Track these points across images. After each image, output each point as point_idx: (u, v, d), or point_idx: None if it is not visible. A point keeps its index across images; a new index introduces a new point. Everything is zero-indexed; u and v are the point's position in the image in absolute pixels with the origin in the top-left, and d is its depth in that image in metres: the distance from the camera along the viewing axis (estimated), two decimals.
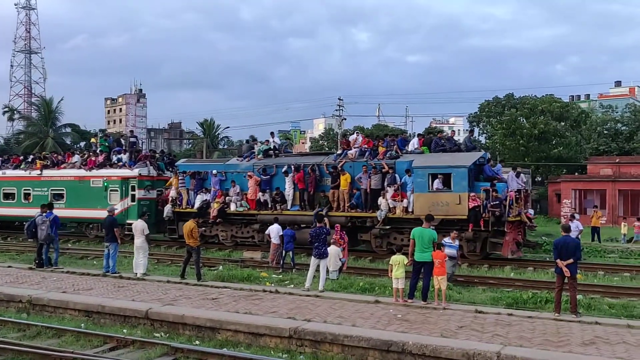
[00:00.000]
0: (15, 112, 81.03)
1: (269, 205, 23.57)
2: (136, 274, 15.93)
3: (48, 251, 17.61)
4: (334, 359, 9.60)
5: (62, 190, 28.70)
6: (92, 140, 37.70)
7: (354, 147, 23.49)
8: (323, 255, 14.24)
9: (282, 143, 27.31)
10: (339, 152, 23.67)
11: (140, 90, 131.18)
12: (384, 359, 9.43)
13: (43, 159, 31.52)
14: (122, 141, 31.57)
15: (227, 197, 24.39)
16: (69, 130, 68.89)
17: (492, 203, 19.63)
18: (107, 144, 30.85)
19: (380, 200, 21.20)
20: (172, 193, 25.77)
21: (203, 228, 24.43)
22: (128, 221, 25.35)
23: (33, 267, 17.41)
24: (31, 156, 33.41)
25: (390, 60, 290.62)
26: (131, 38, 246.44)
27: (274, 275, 16.90)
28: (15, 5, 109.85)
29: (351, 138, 24.82)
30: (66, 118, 68.87)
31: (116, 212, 24.59)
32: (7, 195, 30.39)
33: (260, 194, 23.79)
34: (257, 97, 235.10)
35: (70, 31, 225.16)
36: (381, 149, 22.79)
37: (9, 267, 17.82)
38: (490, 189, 19.90)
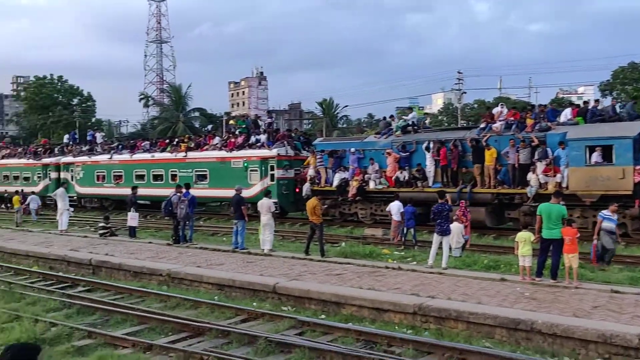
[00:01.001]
0: (149, 99, 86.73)
1: (409, 183, 23.12)
2: (263, 250, 16.58)
3: (184, 228, 18.80)
4: (459, 336, 9.51)
5: (205, 171, 29.77)
6: (231, 122, 39.29)
7: (499, 120, 22.24)
8: (446, 232, 14.05)
9: (421, 118, 26.42)
10: (482, 125, 22.70)
11: (261, 73, 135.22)
12: (512, 337, 9.21)
13: (187, 141, 32.82)
14: (260, 122, 32.31)
15: (365, 175, 24.25)
16: (197, 114, 72.66)
17: None
18: (245, 125, 31.57)
19: (530, 176, 20.05)
20: (311, 172, 25.97)
21: (343, 206, 24.85)
22: None
23: (170, 243, 18.66)
24: (176, 139, 34.93)
25: (511, 30, 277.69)
26: (251, 23, 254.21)
27: (395, 252, 16.94)
28: None
29: (495, 111, 23.57)
30: (194, 103, 72.89)
31: (257, 191, 26.28)
32: (156, 177, 31.91)
33: (399, 171, 23.41)
34: (374, 74, 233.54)
35: (195, 20, 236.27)
36: (529, 121, 21.39)
37: (150, 242, 19.25)
38: None
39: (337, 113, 78.37)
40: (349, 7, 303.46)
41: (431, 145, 22.67)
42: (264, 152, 27.65)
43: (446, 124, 62.71)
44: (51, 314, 11.18)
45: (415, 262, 15.06)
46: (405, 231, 18.73)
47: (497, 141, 21.38)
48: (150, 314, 10.91)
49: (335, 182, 24.86)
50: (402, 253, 16.93)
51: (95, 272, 15.77)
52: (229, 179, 27.70)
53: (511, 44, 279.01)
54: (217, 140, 31.27)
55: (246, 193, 23.80)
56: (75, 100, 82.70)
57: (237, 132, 30.92)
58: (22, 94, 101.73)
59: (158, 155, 32.65)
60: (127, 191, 21.77)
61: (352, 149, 25.04)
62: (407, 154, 23.57)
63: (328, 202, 25.04)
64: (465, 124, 40.98)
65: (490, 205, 21.09)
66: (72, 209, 24.73)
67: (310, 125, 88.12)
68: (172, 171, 31.13)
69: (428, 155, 22.60)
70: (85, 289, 13.75)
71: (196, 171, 30.08)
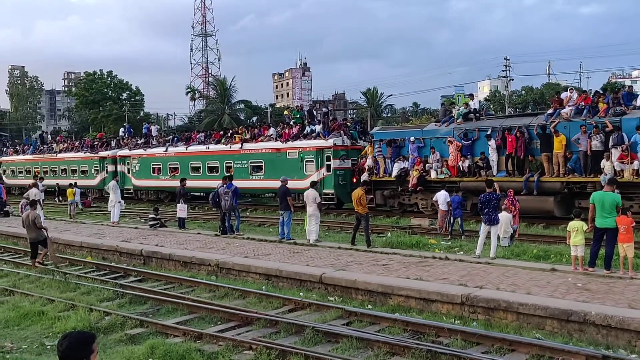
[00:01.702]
0: (195, 92, 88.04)
1: (472, 172, 22.36)
2: (309, 240, 16.67)
3: (230, 219, 19.05)
4: (508, 327, 9.37)
5: (261, 162, 29.58)
6: (285, 112, 39.16)
7: (568, 106, 21.14)
8: (494, 221, 13.81)
9: (483, 105, 25.55)
10: (550, 111, 21.60)
11: (305, 64, 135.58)
12: (563, 328, 9.00)
13: (242, 133, 32.58)
14: (314, 112, 31.94)
15: (426, 165, 23.67)
16: (242, 106, 73.38)
17: None
18: (299, 115, 31.23)
19: (604, 163, 19.06)
20: (369, 162, 25.46)
21: (402, 197, 24.39)
22: (324, 191, 26.00)
23: (218, 234, 18.94)
24: (230, 131, 34.75)
25: (560, 13, 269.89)
26: (294, 14, 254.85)
27: (442, 242, 16.77)
28: None
29: (564, 95, 22.34)
30: (239, 95, 73.57)
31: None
32: (211, 169, 31.70)
33: (462, 160, 22.67)
34: (418, 63, 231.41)
35: (239, 12, 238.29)
36: (602, 106, 20.35)
37: (198, 233, 19.58)
38: None
39: (382, 102, 77.86)
40: None
41: (495, 132, 21.85)
42: (320, 143, 27.22)
43: (492, 112, 61.57)
44: (105, 304, 11.52)
45: (462, 252, 14.88)
46: (452, 221, 18.51)
47: (566, 127, 20.41)
48: (200, 303, 11.12)
49: (395, 172, 24.26)
50: (449, 243, 16.75)
51: (146, 263, 16.16)
52: (284, 170, 27.05)
53: (560, 28, 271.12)
54: (272, 131, 30.91)
55: (302, 184, 23.79)
56: (125, 95, 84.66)
57: (291, 123, 30.53)
58: (73, 89, 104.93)
59: (213, 147, 32.49)
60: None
61: (412, 138, 24.37)
62: (470, 142, 22.81)
63: (387, 192, 24.77)
64: (512, 112, 40.10)
65: (560, 194, 20.28)
66: (123, 202, 25.32)
67: (354, 115, 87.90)
68: (227, 163, 30.99)
69: (491, 144, 21.83)
70: (137, 279, 14.12)
71: (251, 162, 29.98)
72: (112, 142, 41.93)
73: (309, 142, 27.80)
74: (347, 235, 18.15)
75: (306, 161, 27.51)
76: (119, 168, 37.43)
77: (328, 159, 26.79)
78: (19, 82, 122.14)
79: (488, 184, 14.74)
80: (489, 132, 22.07)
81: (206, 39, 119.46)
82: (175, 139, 36.68)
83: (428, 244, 16.41)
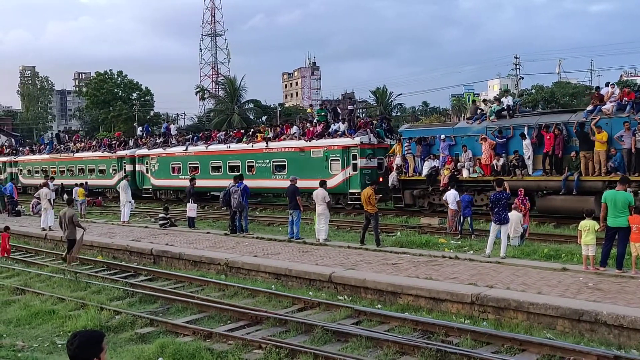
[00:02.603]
0: (205, 91, 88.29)
1: (507, 171, 21.53)
2: (318, 239, 16.65)
3: (240, 218, 19.08)
4: (519, 327, 9.31)
5: (284, 161, 28.88)
6: (308, 110, 38.71)
7: (609, 102, 20.23)
8: (504, 221, 13.74)
9: (516, 101, 24.47)
10: (590, 108, 20.79)
11: (314, 63, 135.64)
12: (575, 328, 8.94)
13: (264, 131, 31.92)
14: (339, 110, 31.06)
15: (458, 163, 22.92)
16: (251, 106, 73.48)
17: None
18: (324, 113, 30.54)
19: None
20: (397, 160, 24.85)
21: (432, 196, 23.63)
22: (350, 190, 25.63)
23: (227, 233, 18.98)
24: (252, 129, 34.14)
25: (570, 12, 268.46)
26: (303, 14, 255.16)
27: (452, 242, 16.71)
28: None
29: (604, 91, 21.51)
30: (248, 94, 73.56)
31: (338, 181, 25.91)
32: (232, 168, 30.79)
33: (496, 158, 21.83)
34: (427, 62, 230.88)
35: (248, 12, 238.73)
36: None
37: (208, 233, 19.62)
38: None
39: (391, 101, 77.67)
40: None
41: (531, 130, 21.05)
42: (346, 141, 26.44)
43: (527, 109, 61.43)
44: (115, 302, 11.57)
45: (472, 252, 14.82)
46: (462, 220, 18.44)
47: (608, 124, 19.54)
48: (210, 302, 11.14)
49: (425, 171, 23.53)
50: (459, 242, 16.69)
51: (156, 262, 16.22)
52: (308, 169, 26.90)
53: (570, 26, 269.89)
54: (295, 129, 30.20)
55: (328, 183, 23.45)
56: (135, 95, 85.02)
57: (315, 121, 29.90)
58: (83, 89, 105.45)
59: (234, 146, 31.79)
60: (203, 183, 21.47)
61: (442, 136, 23.55)
62: (504, 140, 21.97)
63: (416, 192, 24.21)
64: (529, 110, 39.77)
65: (601, 194, 19.72)
66: (133, 201, 25.42)
67: (363, 115, 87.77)
68: (249, 162, 30.40)
69: (526, 142, 20.97)
70: (147, 278, 14.18)
71: (274, 162, 29.32)
72: (130, 141, 41.48)
73: (334, 141, 27.08)
74: (357, 234, 18.13)
75: (331, 160, 26.83)
76: (137, 167, 36.93)
77: (354, 157, 26.07)
78: (30, 82, 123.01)
79: (498, 183, 14.67)
80: (524, 130, 21.28)
81: (215, 39, 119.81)
82: (195, 138, 35.98)
83: (438, 243, 16.36)
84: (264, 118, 73.28)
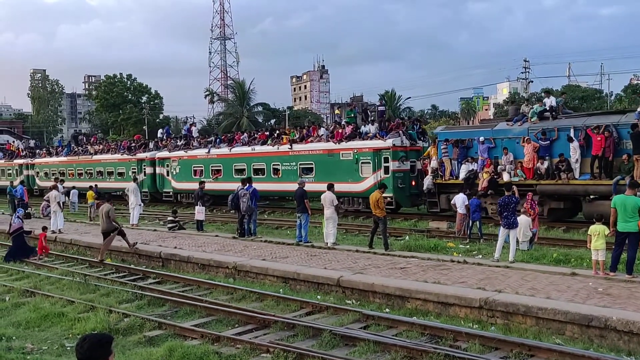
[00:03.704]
0: (214, 95, 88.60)
1: (550, 174, 20.56)
2: (327, 243, 16.65)
3: (249, 222, 19.10)
4: (527, 332, 9.27)
5: (311, 164, 28.04)
6: (336, 111, 38.02)
7: None
8: (512, 225, 13.71)
9: (559, 101, 23.49)
10: None
11: (323, 66, 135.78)
12: (584, 334, 8.89)
13: (289, 133, 31.15)
14: (369, 112, 30.24)
15: (498, 167, 21.99)
16: (260, 109, 73.67)
17: None
18: (353, 114, 29.82)
19: None
20: (433, 163, 23.82)
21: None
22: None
23: (236, 237, 19.00)
24: (277, 131, 33.40)
25: (580, 15, 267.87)
26: (312, 17, 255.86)
27: (461, 246, 16.67)
28: None
29: None
30: (257, 98, 73.75)
31: (369, 185, 24.84)
32: (257, 171, 30.22)
33: (539, 161, 20.86)
34: (436, 65, 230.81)
35: (257, 16, 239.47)
36: None
37: (216, 236, 19.66)
38: None
39: (400, 105, 77.59)
40: None
41: (578, 132, 20.05)
42: (377, 143, 25.52)
43: (570, 110, 61.18)
44: (124, 305, 11.62)
45: (481, 256, 14.77)
46: (470, 224, 18.38)
47: None
48: (218, 305, 11.16)
49: (462, 175, 22.57)
50: (468, 246, 16.64)
51: (165, 265, 16.27)
52: (337, 172, 26.14)
53: (580, 30, 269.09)
54: (322, 131, 29.44)
55: (358, 187, 23.08)
56: (144, 98, 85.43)
57: (343, 122, 29.04)
58: (93, 92, 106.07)
59: (259, 148, 30.97)
60: (226, 186, 20.80)
61: (481, 138, 22.56)
62: (548, 142, 20.81)
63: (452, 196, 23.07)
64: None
65: None
66: (142, 204, 25.49)
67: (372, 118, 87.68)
68: (274, 165, 29.56)
69: (573, 144, 19.94)
70: (156, 281, 14.23)
71: (301, 164, 28.43)
72: (150, 143, 40.70)
73: (365, 143, 26.18)
74: (365, 238, 18.11)
75: (362, 163, 25.93)
76: (157, 170, 36.25)
77: (386, 160, 25.17)
78: (40, 85, 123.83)
79: (507, 187, 14.64)
80: (570, 132, 20.30)
81: (225, 42, 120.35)
82: (218, 140, 35.15)
83: (446, 247, 16.32)
84: (272, 121, 73.38)
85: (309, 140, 29.16)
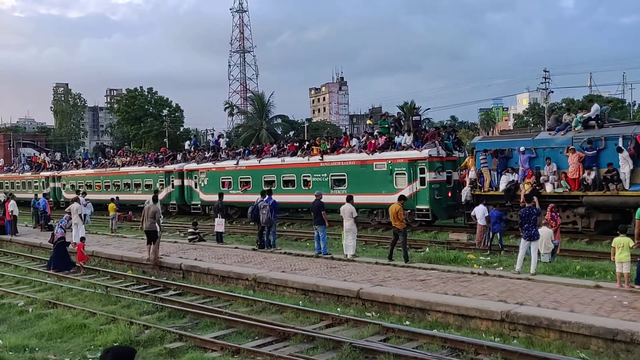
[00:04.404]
0: (234, 107, 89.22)
1: (598, 185, 19.78)
2: (346, 255, 16.60)
3: (269, 234, 19.13)
4: (550, 346, 9.14)
5: (343, 175, 27.52)
6: (368, 122, 37.30)
7: None
8: (534, 237, 13.55)
9: (605, 109, 22.68)
10: None
11: (342, 78, 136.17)
12: (609, 348, 8.74)
13: (320, 144, 30.45)
14: (402, 122, 29.52)
15: (540, 177, 21.24)
16: (279, 121, 73.96)
17: None
18: (386, 125, 29.20)
19: None
20: (471, 174, 23.18)
21: (511, 213, 21.64)
22: (418, 206, 24.32)
23: (255, 249, 19.04)
24: (307, 142, 32.96)
25: (601, 24, 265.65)
26: (331, 29, 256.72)
27: (481, 258, 16.51)
28: (230, 9, 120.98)
29: None
30: (276, 110, 73.97)
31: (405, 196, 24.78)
32: (286, 183, 29.91)
33: (586, 172, 20.03)
34: (455, 76, 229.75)
35: (277, 29, 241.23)
36: None
37: (236, 248, 19.70)
38: None
39: (419, 115, 77.33)
40: (429, 10, 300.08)
41: (627, 142, 19.23)
42: (413, 154, 24.91)
43: (532, 125, 60.58)
44: (145, 317, 11.69)
45: (501, 268, 14.61)
46: (491, 236, 18.22)
47: None
48: (238, 317, 11.19)
49: (502, 186, 21.95)
50: (488, 258, 16.48)
51: (185, 277, 16.35)
52: (371, 183, 25.72)
53: (601, 39, 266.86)
54: (354, 141, 28.94)
55: (392, 199, 22.26)
56: (165, 111, 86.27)
57: (376, 133, 28.47)
58: (115, 106, 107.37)
59: (289, 159, 30.57)
60: (256, 198, 20.56)
61: (522, 148, 21.80)
62: (595, 151, 20.01)
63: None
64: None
65: None
66: (162, 217, 25.62)
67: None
68: (304, 176, 29.16)
69: (623, 154, 19.10)
70: (176, 293, 14.29)
71: (332, 175, 27.94)
72: (177, 155, 40.11)
73: (399, 153, 25.57)
74: (384, 250, 18.03)
75: (396, 174, 25.30)
76: (185, 182, 35.93)
77: (422, 171, 24.52)
78: (63, 99, 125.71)
79: (527, 198, 14.51)
80: (618, 141, 19.40)
81: (244, 55, 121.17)
82: (247, 151, 34.95)
83: (466, 259, 16.19)
84: (291, 133, 73.63)
85: (341, 151, 28.75)
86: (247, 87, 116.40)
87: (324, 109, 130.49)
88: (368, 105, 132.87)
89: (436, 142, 25.20)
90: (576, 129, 21.16)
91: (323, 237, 17.52)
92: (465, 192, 23.03)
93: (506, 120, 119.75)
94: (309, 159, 29.40)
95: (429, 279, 13.03)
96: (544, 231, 14.91)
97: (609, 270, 12.98)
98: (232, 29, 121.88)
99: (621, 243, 11.63)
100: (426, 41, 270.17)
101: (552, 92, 60.87)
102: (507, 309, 10.02)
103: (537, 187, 20.75)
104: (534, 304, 10.37)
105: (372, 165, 26.31)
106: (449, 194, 24.50)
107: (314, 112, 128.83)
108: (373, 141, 27.25)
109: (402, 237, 15.79)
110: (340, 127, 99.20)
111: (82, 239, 19.42)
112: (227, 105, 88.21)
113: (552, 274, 13.41)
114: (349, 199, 17.42)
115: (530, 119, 76.52)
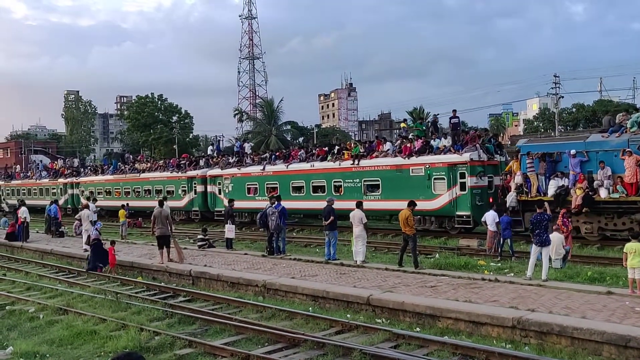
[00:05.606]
0: (243, 114, 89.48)
1: None
2: (356, 261, 16.57)
3: (278, 240, 19.13)
4: (562, 352, 9.06)
5: (377, 180, 26.63)
6: (402, 125, 36.31)
7: None
8: (545, 242, 13.46)
9: None
10: None
11: (351, 84, 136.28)
12: (621, 355, 8.65)
13: (351, 148, 29.52)
14: (437, 125, 29.20)
15: (594, 182, 20.16)
16: (288, 127, 74.08)
17: None
18: (422, 128, 28.74)
19: None
20: (517, 179, 22.04)
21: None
22: (458, 213, 23.57)
23: (265, 255, 19.04)
24: (337, 147, 31.73)
25: (611, 30, 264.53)
26: (340, 35, 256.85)
27: (492, 264, 16.44)
28: (240, 16, 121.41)
29: None
30: (286, 116, 74.13)
31: (444, 202, 23.78)
32: (315, 188, 29.17)
33: None
34: (464, 81, 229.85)
35: (286, 35, 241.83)
36: None
37: (245, 254, 19.71)
38: None
39: (428, 122, 77.26)
40: (437, 16, 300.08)
41: None
42: (453, 158, 24.02)
43: (542, 130, 60.34)
44: (155, 323, 11.70)
45: (512, 274, 14.53)
46: (502, 242, 18.13)
47: None
48: (248, 324, 11.17)
49: (551, 191, 20.81)
50: (499, 264, 16.40)
51: (195, 283, 16.36)
52: (407, 189, 24.65)
53: (611, 45, 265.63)
54: (388, 145, 28.05)
55: (430, 205, 21.88)
56: (175, 118, 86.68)
57: (410, 136, 27.85)
58: (125, 113, 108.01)
59: (318, 164, 29.62)
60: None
61: (573, 151, 20.74)
62: None
63: None
64: (562, 130, 38.86)
65: None
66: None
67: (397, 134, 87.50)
68: (335, 182, 28.28)
69: None
70: (186, 299, 14.30)
71: (365, 181, 27.03)
72: (200, 161, 39.34)
73: (438, 157, 24.64)
74: (394, 256, 17.98)
75: (435, 179, 24.41)
76: (209, 188, 35.20)
77: (462, 176, 23.62)
78: (74, 106, 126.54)
79: (539, 204, 14.42)
80: None
81: (253, 62, 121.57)
82: (273, 156, 33.97)
83: (477, 265, 16.11)
84: (301, 139, 73.74)
85: (374, 155, 27.76)
86: (257, 94, 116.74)
87: (333, 115, 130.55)
88: (377, 111, 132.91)
89: (477, 145, 24.36)
90: (632, 130, 20.11)
91: (334, 243, 17.51)
92: (511, 198, 21.94)
93: (516, 125, 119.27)
94: (340, 164, 28.56)
95: (440, 285, 12.97)
96: (555, 237, 14.81)
97: (621, 276, 12.88)
98: (242, 36, 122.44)
99: (633, 249, 11.54)
100: (435, 47, 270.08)
101: (563, 97, 60.67)
102: (519, 315, 9.95)
103: (590, 192, 19.96)
104: (546, 310, 10.30)
105: (408, 170, 25.45)
106: (490, 200, 23.30)
107: (323, 118, 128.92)
108: (409, 145, 26.33)
109: (412, 242, 15.75)
110: (350, 133, 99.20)
111: (113, 242, 19.41)
112: (236, 112, 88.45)
113: (563, 280, 13.32)
114: (359, 205, 17.39)
115: (541, 124, 76.17)
